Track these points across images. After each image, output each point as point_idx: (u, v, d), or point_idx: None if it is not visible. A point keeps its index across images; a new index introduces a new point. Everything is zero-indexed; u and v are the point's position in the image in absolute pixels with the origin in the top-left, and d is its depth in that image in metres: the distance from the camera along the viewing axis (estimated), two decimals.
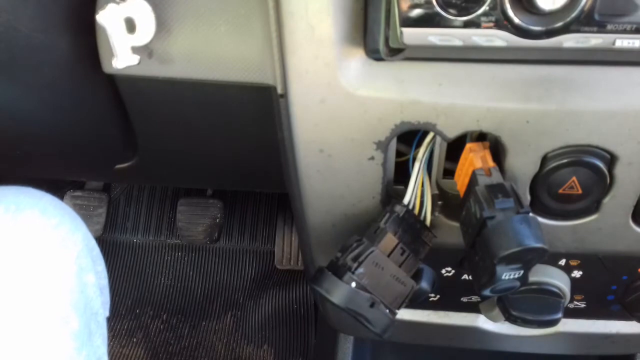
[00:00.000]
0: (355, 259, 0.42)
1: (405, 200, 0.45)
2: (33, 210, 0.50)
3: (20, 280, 0.47)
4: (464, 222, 0.43)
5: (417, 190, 0.45)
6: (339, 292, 0.41)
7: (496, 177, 0.41)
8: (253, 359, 1.03)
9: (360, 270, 0.41)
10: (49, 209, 0.52)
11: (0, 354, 0.43)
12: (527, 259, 0.39)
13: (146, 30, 0.43)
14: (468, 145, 0.43)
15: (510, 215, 0.39)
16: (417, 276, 0.46)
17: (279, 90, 0.43)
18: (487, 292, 0.41)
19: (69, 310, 0.49)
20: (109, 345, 0.57)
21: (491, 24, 0.36)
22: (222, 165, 0.62)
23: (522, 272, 0.40)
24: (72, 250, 0.52)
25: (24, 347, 0.45)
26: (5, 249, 0.47)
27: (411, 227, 0.45)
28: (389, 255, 0.43)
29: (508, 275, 0.40)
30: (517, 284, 0.41)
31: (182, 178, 0.74)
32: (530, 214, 0.40)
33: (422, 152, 0.44)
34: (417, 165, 0.44)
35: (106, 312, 0.58)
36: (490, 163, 0.42)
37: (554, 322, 0.52)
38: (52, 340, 0.47)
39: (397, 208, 0.44)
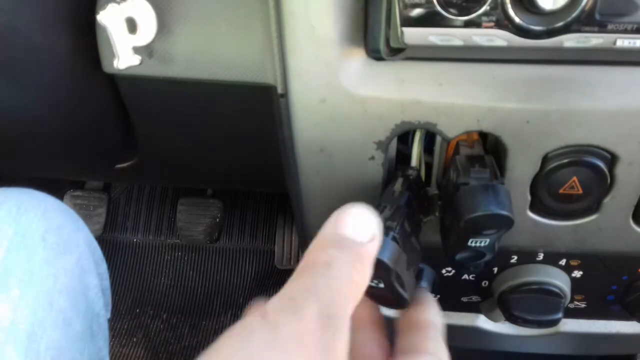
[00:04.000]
0: (392, 219, 0.40)
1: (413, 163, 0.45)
2: (35, 211, 0.51)
3: (23, 281, 0.47)
4: (442, 190, 0.44)
5: (421, 158, 0.45)
6: (388, 250, 0.37)
7: (477, 150, 0.43)
8: None
9: (398, 230, 0.39)
10: (50, 210, 0.52)
11: (4, 355, 0.43)
12: (493, 226, 0.39)
13: (147, 30, 0.43)
14: None
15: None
16: (417, 276, 0.46)
17: (280, 90, 0.43)
18: (457, 258, 0.42)
19: (71, 311, 0.49)
20: (109, 345, 0.57)
21: (492, 24, 0.36)
22: (222, 165, 0.63)
23: (488, 240, 0.40)
24: (74, 252, 0.52)
25: (25, 347, 0.45)
26: (7, 251, 0.47)
27: (416, 195, 0.44)
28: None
29: (475, 242, 0.40)
30: (486, 254, 0.41)
31: (182, 178, 0.74)
32: (502, 185, 0.40)
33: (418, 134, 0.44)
34: (417, 134, 0.44)
35: (108, 314, 0.59)
36: (475, 137, 0.44)
37: (554, 322, 0.52)
38: (54, 341, 0.47)
39: (409, 171, 0.44)
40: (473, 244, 0.41)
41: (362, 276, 0.34)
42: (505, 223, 0.39)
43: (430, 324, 0.40)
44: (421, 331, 0.39)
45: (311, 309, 0.30)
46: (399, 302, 0.38)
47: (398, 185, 0.43)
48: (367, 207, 0.36)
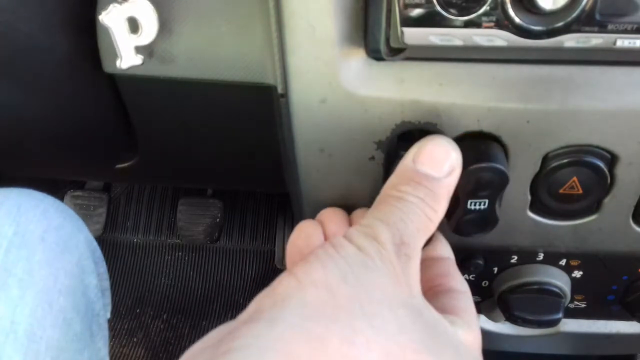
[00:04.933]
0: None
1: None
2: (35, 211, 0.51)
3: (22, 281, 0.47)
4: None
5: None
6: None
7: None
8: None
9: None
10: (50, 210, 0.52)
11: (3, 355, 0.43)
12: (488, 183, 0.40)
13: (149, 30, 0.43)
14: None
15: None
16: None
17: (280, 90, 0.43)
18: (460, 221, 0.42)
19: (71, 312, 0.49)
20: (109, 345, 0.57)
21: (492, 24, 0.36)
22: (223, 165, 0.63)
23: (487, 202, 0.41)
24: (74, 252, 0.52)
25: (25, 347, 0.45)
26: (7, 251, 0.47)
27: None
28: None
29: (474, 204, 0.41)
30: (488, 218, 0.42)
31: (183, 178, 0.74)
32: (496, 143, 0.41)
33: None
34: None
35: (107, 314, 0.59)
36: None
37: (554, 322, 0.52)
38: (54, 341, 0.47)
39: None
40: (472, 207, 0.41)
41: (435, 211, 0.36)
42: (499, 178, 0.39)
43: (446, 258, 0.43)
44: (441, 267, 0.42)
45: (385, 235, 0.33)
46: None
47: None
48: (446, 138, 0.37)
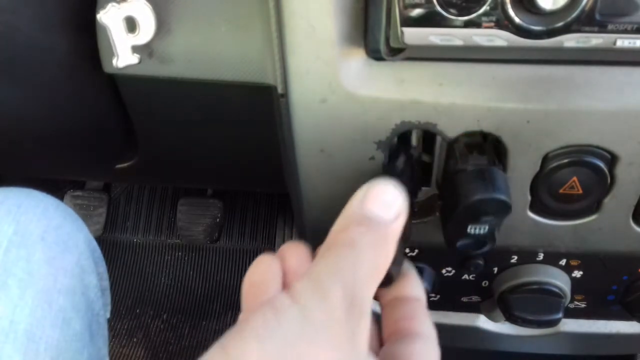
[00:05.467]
0: None
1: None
2: (35, 211, 0.51)
3: (22, 281, 0.47)
4: (443, 178, 0.44)
5: (419, 139, 0.45)
6: None
7: (476, 139, 0.42)
8: None
9: None
10: (50, 210, 0.52)
11: (2, 355, 0.43)
12: (490, 211, 0.39)
13: (146, 29, 0.43)
14: None
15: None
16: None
17: (280, 90, 0.43)
18: (458, 245, 0.42)
19: (71, 311, 0.49)
20: (109, 345, 0.57)
21: (492, 24, 0.36)
22: (223, 165, 0.63)
23: (487, 227, 0.40)
24: (74, 252, 0.52)
25: (24, 347, 0.45)
26: (7, 251, 0.47)
27: (414, 175, 0.45)
28: None
29: (474, 229, 0.40)
30: (487, 242, 0.41)
31: (182, 178, 0.74)
32: (500, 170, 0.40)
33: None
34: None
35: (107, 314, 0.59)
36: None
37: (554, 322, 0.52)
38: (53, 341, 0.47)
39: (412, 150, 0.44)
40: (472, 231, 0.41)
41: (385, 257, 0.34)
42: (502, 208, 0.39)
43: (415, 299, 0.40)
44: (408, 309, 0.39)
45: (337, 293, 0.30)
46: (386, 280, 0.38)
47: (400, 162, 0.43)
48: (393, 182, 0.36)
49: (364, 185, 0.36)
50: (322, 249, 0.34)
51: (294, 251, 0.39)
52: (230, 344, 0.29)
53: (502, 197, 0.38)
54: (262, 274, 0.38)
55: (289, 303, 0.30)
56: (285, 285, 0.38)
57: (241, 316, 0.39)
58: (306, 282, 0.31)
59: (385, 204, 0.35)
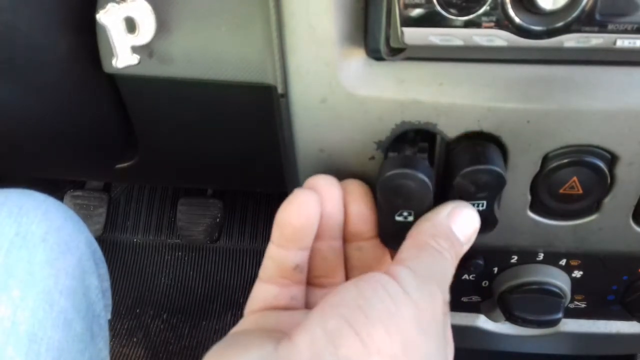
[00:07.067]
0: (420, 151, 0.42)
1: None
2: (36, 212, 0.51)
3: (23, 282, 0.47)
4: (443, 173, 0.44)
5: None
6: (428, 175, 0.40)
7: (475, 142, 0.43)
8: None
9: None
10: (51, 211, 0.52)
11: (4, 356, 0.43)
12: (485, 184, 0.40)
13: (146, 30, 0.43)
14: None
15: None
16: None
17: (280, 90, 0.43)
18: None
19: (72, 312, 0.49)
20: (109, 345, 0.57)
21: (492, 24, 0.36)
22: (223, 165, 0.63)
23: (485, 203, 0.41)
24: (75, 253, 0.52)
25: (26, 348, 0.45)
26: (8, 252, 0.47)
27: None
28: None
29: (473, 204, 0.41)
30: (487, 221, 0.42)
31: (182, 178, 0.74)
32: (493, 145, 0.41)
33: None
34: None
35: (108, 315, 0.59)
36: None
37: (554, 322, 0.52)
38: (55, 342, 0.47)
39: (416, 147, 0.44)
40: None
41: (453, 272, 0.37)
42: (496, 180, 0.39)
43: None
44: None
45: (439, 296, 0.33)
46: None
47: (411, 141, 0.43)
48: (475, 211, 0.39)
49: (450, 202, 0.39)
50: (412, 244, 0.37)
51: (329, 191, 0.40)
52: (358, 322, 0.30)
53: (495, 168, 0.39)
54: (302, 217, 0.39)
55: (402, 293, 0.32)
56: (319, 227, 0.40)
57: (272, 249, 0.40)
58: (412, 277, 0.33)
59: (469, 227, 0.39)
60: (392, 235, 0.41)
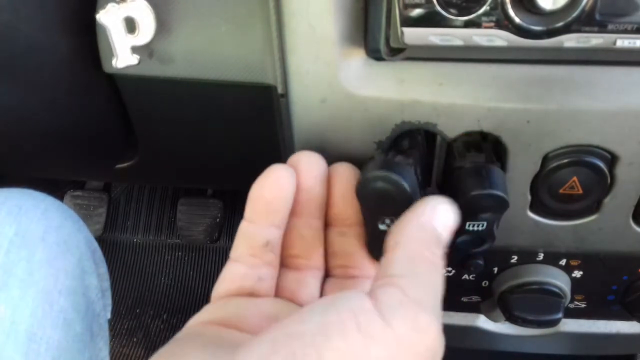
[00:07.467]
0: (408, 155, 0.41)
1: None
2: (35, 212, 0.51)
3: (23, 281, 0.47)
4: (442, 177, 0.44)
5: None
6: (411, 181, 0.39)
7: (475, 138, 0.42)
8: None
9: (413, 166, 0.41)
10: (51, 211, 0.52)
11: (3, 356, 0.43)
12: (488, 207, 0.39)
13: (146, 30, 0.43)
14: None
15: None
16: None
17: (280, 90, 0.43)
18: (457, 242, 0.41)
19: (72, 312, 0.49)
20: (109, 345, 0.57)
21: (492, 24, 0.36)
22: (223, 165, 0.63)
23: (485, 224, 0.40)
24: (75, 253, 0.52)
25: (26, 348, 0.45)
26: (7, 251, 0.47)
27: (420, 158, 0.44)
28: None
29: (472, 225, 0.40)
30: (485, 239, 0.41)
31: (183, 178, 0.74)
32: (497, 167, 0.40)
33: None
34: None
35: (107, 315, 0.59)
36: None
37: (554, 322, 0.52)
38: (54, 341, 0.47)
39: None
40: (471, 228, 0.40)
41: None
42: (499, 204, 0.39)
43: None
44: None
45: (434, 326, 0.28)
46: None
47: (406, 142, 0.43)
48: (451, 203, 0.35)
49: (429, 198, 0.35)
50: (404, 254, 0.32)
51: (308, 166, 0.37)
52: None
53: (499, 193, 0.38)
54: (274, 190, 0.36)
55: (379, 326, 0.27)
56: (297, 203, 0.37)
57: (243, 226, 0.37)
58: (400, 303, 0.28)
59: (447, 226, 0.34)
60: (378, 247, 0.37)
